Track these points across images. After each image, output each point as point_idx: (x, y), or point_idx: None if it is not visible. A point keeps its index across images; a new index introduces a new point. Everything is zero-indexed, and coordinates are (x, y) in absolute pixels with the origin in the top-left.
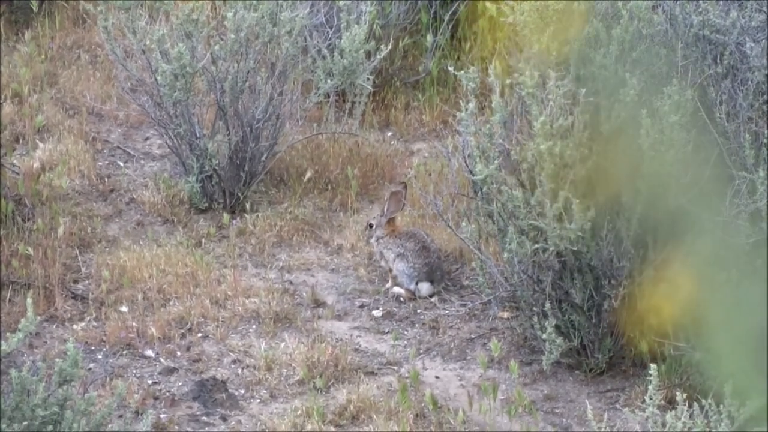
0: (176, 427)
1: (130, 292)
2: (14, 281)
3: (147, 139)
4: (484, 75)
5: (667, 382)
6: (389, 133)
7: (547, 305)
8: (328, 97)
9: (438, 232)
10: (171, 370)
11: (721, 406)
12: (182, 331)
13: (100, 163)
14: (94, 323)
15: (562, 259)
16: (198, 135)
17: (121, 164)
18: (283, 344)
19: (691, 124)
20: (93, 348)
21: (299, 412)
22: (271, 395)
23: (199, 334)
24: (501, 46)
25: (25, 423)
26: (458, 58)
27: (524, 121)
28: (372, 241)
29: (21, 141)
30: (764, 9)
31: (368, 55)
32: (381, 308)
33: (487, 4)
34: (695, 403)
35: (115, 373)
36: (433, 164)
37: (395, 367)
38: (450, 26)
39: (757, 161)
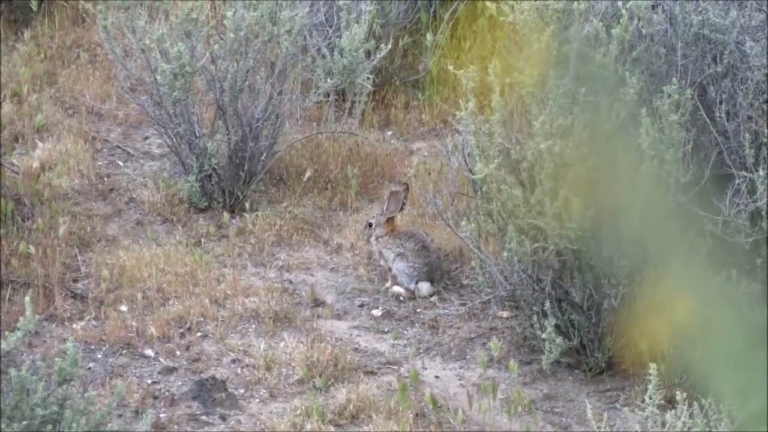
0: (176, 427)
1: (129, 291)
2: (14, 280)
3: (146, 138)
4: (484, 74)
5: (666, 381)
6: (389, 133)
7: (547, 304)
8: (328, 96)
9: (437, 232)
10: (170, 370)
11: (721, 405)
12: (182, 330)
13: (99, 163)
14: (94, 322)
15: (562, 258)
16: (197, 134)
17: (121, 164)
18: (282, 344)
19: (691, 124)
20: (92, 347)
21: (299, 412)
22: (271, 395)
23: (199, 334)
24: (501, 45)
25: (24, 422)
26: (458, 57)
27: (524, 120)
28: (371, 240)
29: (20, 140)
30: (764, 8)
31: (368, 54)
32: (380, 307)
33: (487, 3)
34: (695, 402)
35: (114, 373)
36: (433, 163)
37: (395, 367)
38: (450, 25)
39: (757, 160)
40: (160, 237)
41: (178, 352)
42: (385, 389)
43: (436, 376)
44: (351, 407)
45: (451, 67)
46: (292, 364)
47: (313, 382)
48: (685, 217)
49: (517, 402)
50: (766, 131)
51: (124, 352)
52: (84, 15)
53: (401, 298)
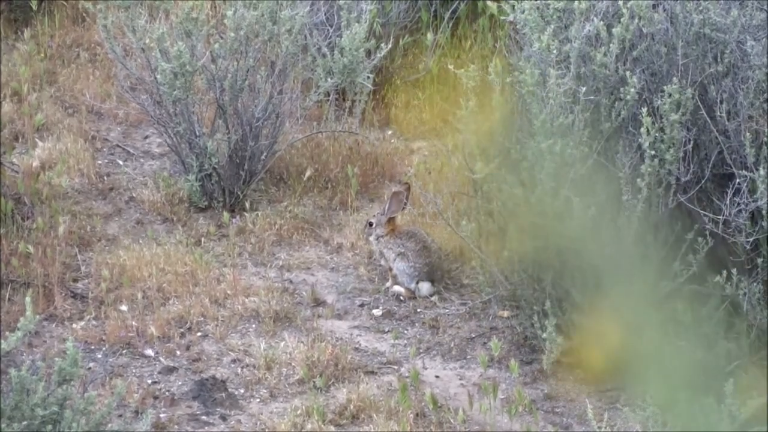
0: (176, 427)
1: (129, 291)
2: (14, 280)
3: (146, 137)
4: (485, 73)
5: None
6: (389, 132)
7: (548, 304)
8: (328, 95)
9: (438, 231)
10: (171, 370)
11: (722, 405)
12: (182, 330)
13: (99, 162)
14: (94, 322)
15: (563, 257)
16: (197, 133)
17: (121, 163)
18: (282, 343)
19: (692, 123)
20: (92, 347)
21: (299, 412)
22: (271, 394)
23: (199, 334)
24: (501, 45)
25: (24, 422)
26: (458, 56)
27: (524, 120)
28: (371, 239)
29: (20, 140)
30: (765, 7)
31: (368, 53)
32: (381, 307)
33: (488, 2)
34: (695, 402)
35: (114, 373)
36: (434, 163)
37: (395, 367)
38: (450, 24)
39: (757, 160)
40: (160, 236)
41: (178, 352)
42: (386, 389)
43: (437, 376)
44: (351, 407)
45: (451, 67)
46: (293, 364)
47: (314, 381)
48: (685, 217)
49: (518, 402)
50: (766, 130)
51: (124, 352)
52: (84, 14)
53: (402, 297)
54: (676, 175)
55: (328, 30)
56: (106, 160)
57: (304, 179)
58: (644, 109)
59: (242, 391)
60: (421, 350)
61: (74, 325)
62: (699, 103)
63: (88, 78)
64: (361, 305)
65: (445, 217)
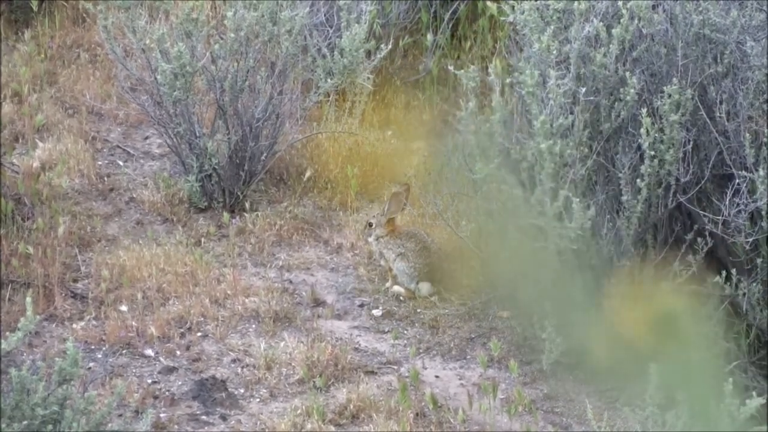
0: (176, 427)
1: (129, 291)
2: (14, 280)
3: (147, 138)
4: (484, 74)
5: (666, 380)
6: (389, 132)
7: (547, 304)
8: (328, 96)
9: (438, 231)
10: (171, 370)
11: (721, 405)
12: (182, 330)
13: (99, 163)
14: (94, 322)
15: (563, 258)
16: (198, 134)
17: (121, 163)
18: (282, 343)
19: (691, 124)
20: (93, 347)
21: (299, 412)
22: (271, 394)
23: (199, 334)
24: (501, 45)
25: (24, 422)
26: (458, 57)
27: (524, 120)
28: (371, 240)
29: (21, 140)
30: (764, 8)
31: (368, 54)
32: (381, 307)
33: (488, 3)
34: (695, 402)
35: (114, 373)
36: (433, 163)
37: (395, 367)
38: (450, 25)
39: (757, 160)
40: (160, 237)
41: (178, 352)
42: (386, 389)
43: (437, 376)
44: (351, 407)
45: (451, 67)
46: (293, 364)
47: (314, 381)
48: (684, 217)
49: (518, 402)
50: (766, 131)
51: (124, 352)
52: (84, 15)
53: (401, 298)
54: (675, 176)
55: (328, 31)
56: (107, 161)
57: (304, 180)
58: (644, 110)
59: (242, 391)
60: (420, 350)
61: (74, 325)
62: (699, 103)
63: (89, 79)
64: (361, 305)
65: (444, 217)
